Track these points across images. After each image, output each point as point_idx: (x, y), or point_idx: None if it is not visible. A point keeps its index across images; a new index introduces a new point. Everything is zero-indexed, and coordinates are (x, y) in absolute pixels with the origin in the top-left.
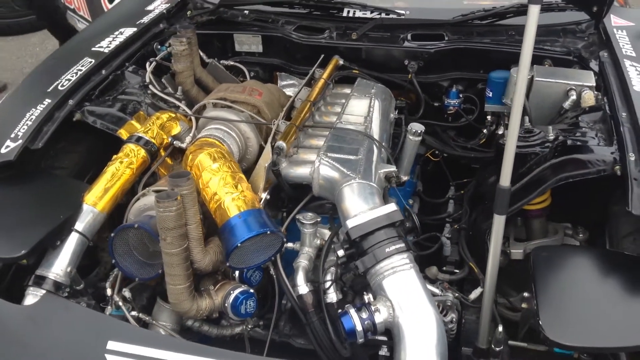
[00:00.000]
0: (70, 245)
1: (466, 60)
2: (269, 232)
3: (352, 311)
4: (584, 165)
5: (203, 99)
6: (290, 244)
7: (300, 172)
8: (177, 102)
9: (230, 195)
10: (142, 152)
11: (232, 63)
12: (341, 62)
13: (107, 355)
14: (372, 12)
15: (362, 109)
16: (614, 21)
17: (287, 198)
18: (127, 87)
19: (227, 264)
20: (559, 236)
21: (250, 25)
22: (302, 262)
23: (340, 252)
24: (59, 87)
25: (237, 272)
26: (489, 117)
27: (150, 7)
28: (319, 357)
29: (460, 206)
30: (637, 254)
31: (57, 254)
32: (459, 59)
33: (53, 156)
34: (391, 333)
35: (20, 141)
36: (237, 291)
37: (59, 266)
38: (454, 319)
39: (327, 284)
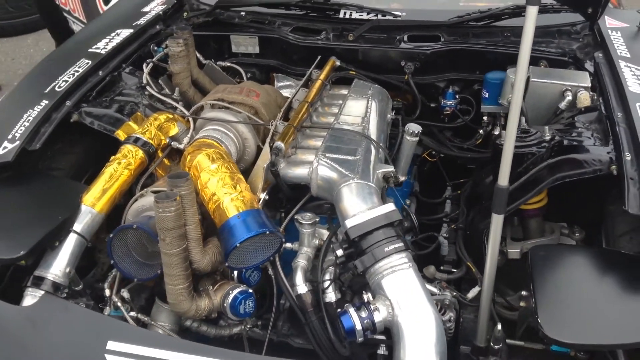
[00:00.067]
0: (69, 246)
1: (462, 61)
2: (267, 232)
3: (352, 310)
4: (581, 165)
5: (200, 100)
6: (288, 244)
7: (299, 172)
8: (174, 103)
9: (229, 196)
10: (140, 153)
11: (228, 64)
12: (338, 63)
13: (107, 356)
14: (368, 14)
15: (360, 109)
16: (609, 22)
17: (285, 198)
18: (124, 88)
19: (226, 264)
20: (556, 235)
21: (246, 27)
22: (301, 262)
23: (339, 252)
24: (56, 89)
25: (235, 272)
26: (485, 118)
27: (146, 9)
28: (318, 357)
29: (457, 206)
30: (634, 252)
31: (56, 255)
32: (455, 60)
33: (50, 157)
34: (390, 332)
35: (17, 142)
36: (236, 291)
37: (58, 267)
38: (452, 318)
39: (326, 284)
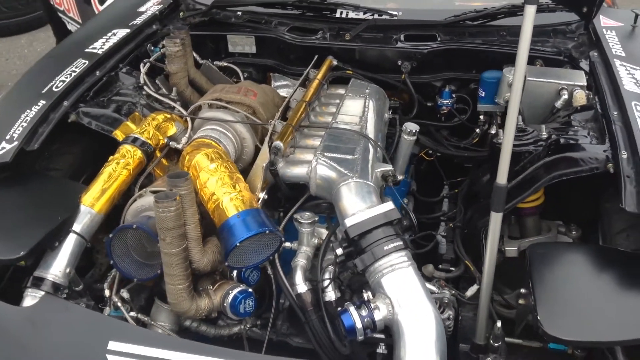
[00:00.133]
0: (69, 246)
1: (459, 60)
2: (267, 232)
3: (352, 309)
4: (577, 163)
5: (197, 100)
6: (287, 244)
7: (297, 171)
8: (172, 103)
9: (229, 195)
10: (139, 153)
11: (225, 64)
12: (335, 62)
13: (108, 356)
14: (365, 13)
15: (357, 109)
16: (603, 22)
17: (284, 198)
18: (121, 88)
19: (226, 264)
20: (552, 234)
21: (243, 26)
22: (300, 261)
23: (339, 251)
24: (54, 89)
25: (235, 272)
26: (481, 117)
27: (142, 9)
28: (317, 356)
29: (455, 205)
30: (631, 249)
31: (56, 255)
32: (452, 59)
33: (48, 157)
34: (390, 330)
35: (15, 142)
36: (235, 290)
37: (58, 267)
38: (451, 316)
39: (326, 283)
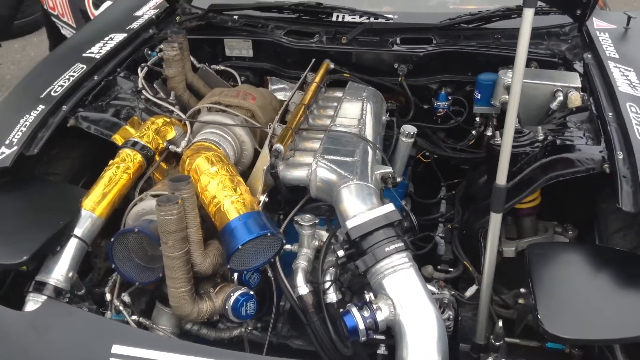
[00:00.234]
0: (70, 250)
1: (454, 63)
2: (269, 234)
3: (354, 310)
4: (574, 164)
5: (195, 104)
6: (288, 246)
7: (297, 174)
8: (170, 107)
9: (230, 198)
10: (139, 157)
11: (222, 68)
12: (332, 66)
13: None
14: (361, 17)
15: (355, 111)
16: (597, 24)
17: (284, 200)
18: (119, 92)
19: (228, 266)
20: (549, 234)
21: (240, 30)
22: (301, 263)
23: (341, 253)
24: (52, 93)
25: (236, 275)
26: (477, 119)
27: (139, 13)
28: (319, 358)
29: (452, 206)
30: (627, 249)
31: (57, 260)
32: (448, 62)
33: (47, 162)
34: (392, 331)
35: (15, 147)
36: (237, 293)
37: (59, 272)
38: (451, 317)
39: (327, 284)
